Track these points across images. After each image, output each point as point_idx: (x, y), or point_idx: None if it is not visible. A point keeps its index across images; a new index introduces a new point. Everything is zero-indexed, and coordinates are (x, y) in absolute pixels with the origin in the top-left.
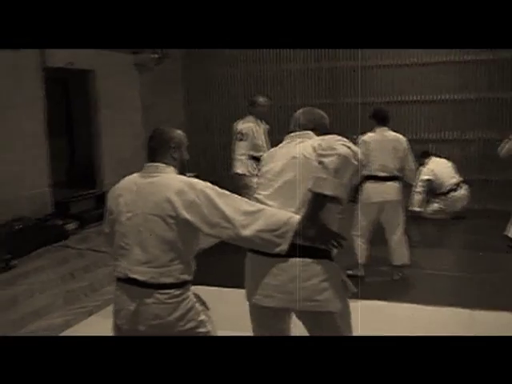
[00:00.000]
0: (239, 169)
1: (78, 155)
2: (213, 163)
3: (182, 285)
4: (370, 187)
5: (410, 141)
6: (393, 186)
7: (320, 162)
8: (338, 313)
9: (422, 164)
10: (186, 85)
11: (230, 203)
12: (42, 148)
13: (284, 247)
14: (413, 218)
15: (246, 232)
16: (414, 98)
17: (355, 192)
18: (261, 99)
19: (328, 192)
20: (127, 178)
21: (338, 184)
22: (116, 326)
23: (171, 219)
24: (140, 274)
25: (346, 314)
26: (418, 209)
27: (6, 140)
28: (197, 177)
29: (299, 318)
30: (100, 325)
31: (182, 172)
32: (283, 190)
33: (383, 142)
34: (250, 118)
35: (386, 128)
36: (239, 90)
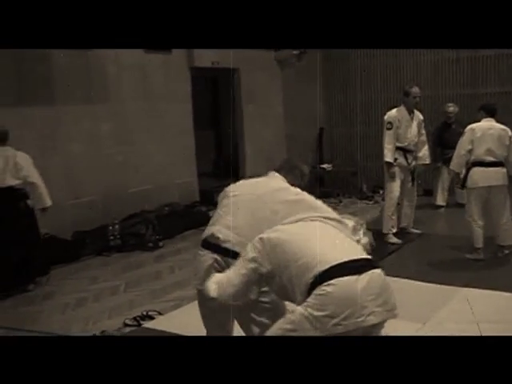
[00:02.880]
0: (387, 157)
1: (224, 147)
2: (352, 154)
3: None
4: (476, 172)
5: None
6: (499, 171)
7: None
8: None
9: None
10: (326, 78)
11: None
12: (190, 140)
13: None
14: None
15: None
16: None
17: (463, 179)
18: (414, 89)
19: None
20: None
21: None
22: None
23: None
24: None
25: None
26: None
27: (160, 132)
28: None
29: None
30: None
31: None
32: None
33: (490, 130)
34: (401, 107)
35: (492, 119)
36: (377, 81)
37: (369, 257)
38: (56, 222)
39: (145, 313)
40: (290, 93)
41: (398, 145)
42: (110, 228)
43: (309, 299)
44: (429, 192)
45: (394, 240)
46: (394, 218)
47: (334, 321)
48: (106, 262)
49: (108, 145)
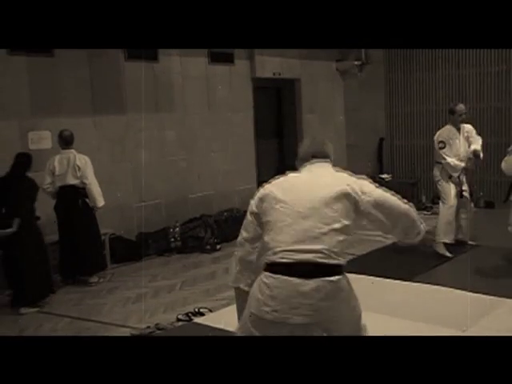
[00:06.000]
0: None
1: (286, 156)
2: (412, 165)
3: None
4: None
5: None
6: None
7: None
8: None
9: None
10: (388, 89)
11: None
12: (251, 149)
13: None
14: None
15: None
16: None
17: (508, 192)
18: (458, 107)
19: None
20: None
21: None
22: None
23: None
24: None
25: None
26: None
27: (222, 140)
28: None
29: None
30: None
31: None
32: None
33: None
34: (447, 126)
35: None
36: (439, 93)
37: (325, 262)
38: (123, 223)
39: (196, 309)
40: (351, 103)
41: None
42: (172, 230)
43: (258, 283)
44: (490, 204)
45: (444, 251)
46: (449, 227)
47: (266, 308)
48: (166, 261)
49: (172, 152)
